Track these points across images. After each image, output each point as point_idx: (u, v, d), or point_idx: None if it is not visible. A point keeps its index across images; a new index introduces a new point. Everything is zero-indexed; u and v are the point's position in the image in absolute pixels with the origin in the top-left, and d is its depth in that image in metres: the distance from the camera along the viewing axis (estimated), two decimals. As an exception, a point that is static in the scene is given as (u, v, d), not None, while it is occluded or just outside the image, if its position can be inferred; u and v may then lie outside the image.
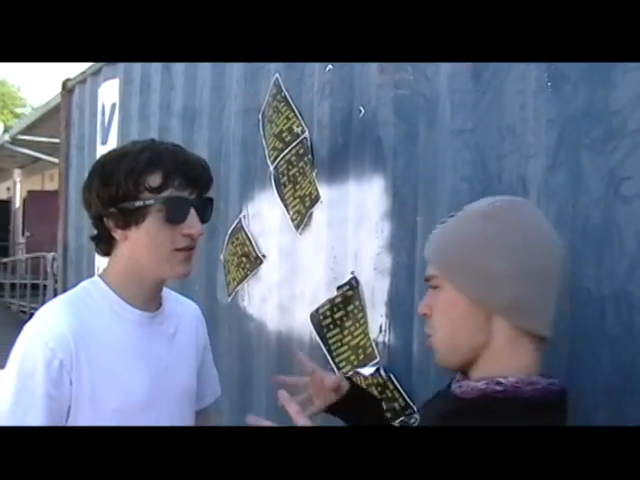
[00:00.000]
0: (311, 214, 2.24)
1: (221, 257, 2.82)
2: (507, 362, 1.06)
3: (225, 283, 2.79)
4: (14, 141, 13.77)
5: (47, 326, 1.24)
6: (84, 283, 1.37)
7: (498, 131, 1.63)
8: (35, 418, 1.20)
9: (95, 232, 1.35)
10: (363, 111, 2.04)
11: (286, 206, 2.37)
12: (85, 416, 1.25)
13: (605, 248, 1.39)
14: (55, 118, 10.66)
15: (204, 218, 1.32)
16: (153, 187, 1.24)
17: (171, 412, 1.37)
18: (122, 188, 1.24)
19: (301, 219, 2.29)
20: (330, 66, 2.16)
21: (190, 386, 1.45)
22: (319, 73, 2.22)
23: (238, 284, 2.69)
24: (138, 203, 1.24)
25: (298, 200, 2.30)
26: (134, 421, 1.27)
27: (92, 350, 1.25)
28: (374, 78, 2.00)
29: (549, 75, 1.50)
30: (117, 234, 1.29)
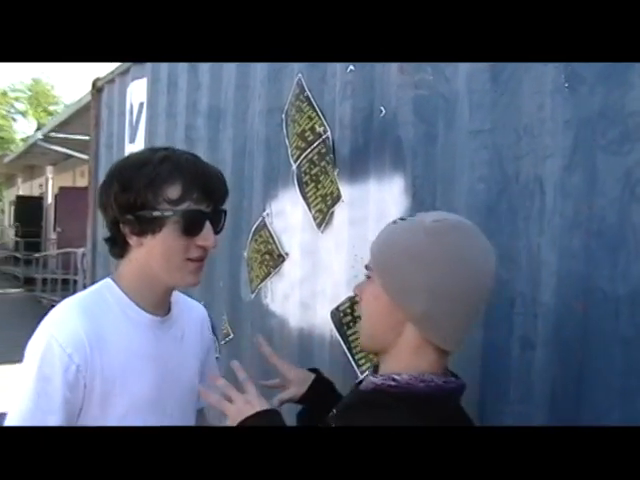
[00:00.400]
0: (332, 213, 2.27)
1: (245, 254, 2.86)
2: (407, 364, 1.15)
3: (248, 280, 2.83)
4: (46, 139, 13.99)
5: (64, 331, 1.27)
6: (97, 285, 1.40)
7: (515, 132, 1.63)
8: (54, 421, 1.24)
9: (109, 234, 1.38)
10: (384, 111, 2.06)
11: (308, 205, 2.40)
12: (95, 415, 1.29)
13: (620, 249, 1.39)
14: (86, 116, 10.78)
15: (217, 230, 1.35)
16: (172, 199, 1.27)
17: (174, 411, 1.42)
18: (141, 197, 1.27)
19: (323, 217, 2.32)
20: (351, 67, 2.18)
21: (193, 386, 1.48)
22: (341, 73, 2.24)
23: (261, 281, 2.72)
24: (156, 213, 1.28)
25: (320, 199, 2.33)
26: (140, 419, 1.33)
27: (105, 353, 1.29)
28: (394, 79, 2.01)
29: (566, 76, 1.50)
30: (132, 240, 1.32)
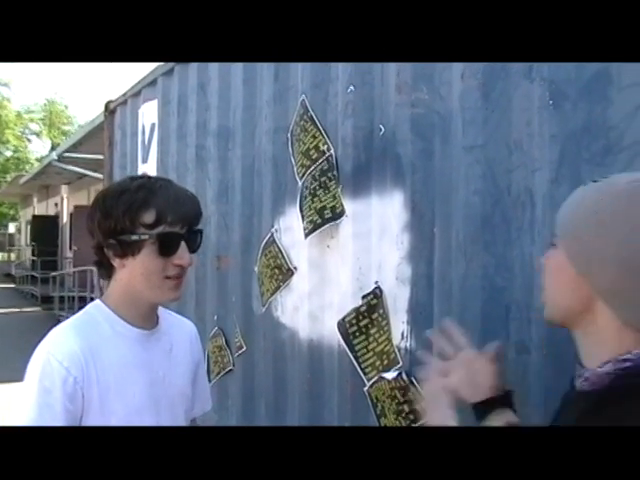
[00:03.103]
0: (333, 226, 2.35)
1: (255, 269, 2.95)
2: (618, 344, 1.01)
3: (260, 294, 2.92)
4: (61, 159, 14.18)
5: (60, 348, 1.38)
6: (87, 307, 1.51)
7: (506, 146, 1.72)
8: (54, 422, 1.34)
9: (96, 258, 1.49)
10: (383, 129, 2.15)
11: (302, 216, 2.50)
12: (93, 421, 1.39)
13: (606, 256, 1.47)
14: (99, 135, 10.94)
15: (193, 249, 1.46)
16: (148, 223, 1.38)
17: (168, 417, 1.51)
18: (120, 223, 1.38)
19: (313, 228, 2.42)
20: (352, 87, 2.28)
21: (186, 394, 1.59)
22: (342, 94, 2.34)
23: (271, 295, 2.81)
24: (134, 237, 1.39)
25: (314, 211, 2.42)
26: (137, 422, 1.42)
27: (99, 366, 1.40)
28: (392, 98, 2.10)
29: (550, 93, 1.59)
30: (115, 262, 1.43)
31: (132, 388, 1.44)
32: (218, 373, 3.28)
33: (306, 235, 2.48)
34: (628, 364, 0.99)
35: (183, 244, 1.42)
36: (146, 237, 1.39)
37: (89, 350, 1.39)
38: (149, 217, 1.38)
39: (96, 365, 1.39)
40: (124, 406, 1.42)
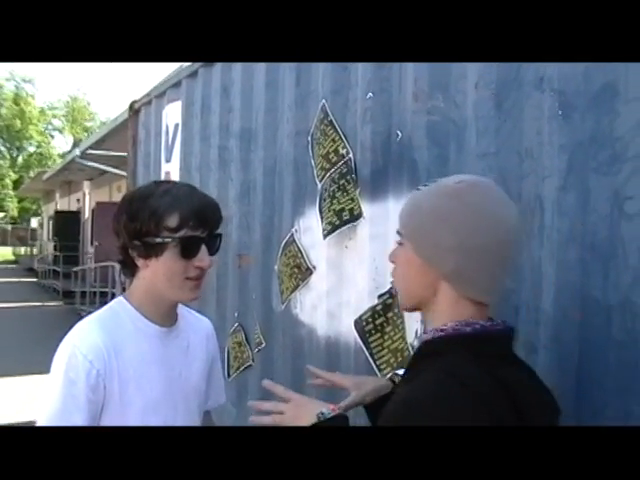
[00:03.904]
0: (349, 228, 2.45)
1: (275, 268, 3.05)
2: (449, 317, 1.23)
3: (279, 292, 3.01)
4: (84, 155, 14.38)
5: (85, 342, 1.47)
6: (111, 303, 1.61)
7: (517, 154, 1.79)
8: (79, 418, 1.45)
9: (121, 257, 1.58)
10: (400, 135, 2.23)
11: (321, 217, 2.60)
12: (114, 414, 1.49)
13: (611, 261, 1.53)
14: (121, 133, 11.12)
15: (213, 251, 1.55)
16: (171, 227, 1.48)
17: (183, 411, 1.61)
18: (145, 226, 1.48)
19: (331, 229, 2.51)
20: (370, 94, 2.36)
21: (200, 390, 1.69)
22: (361, 100, 2.42)
23: (291, 293, 2.91)
24: (158, 240, 1.48)
25: (332, 213, 2.51)
26: (153, 415, 1.53)
27: (120, 360, 1.50)
28: (409, 105, 2.18)
29: (560, 104, 1.66)
30: (139, 262, 1.53)
31: (150, 382, 1.54)
32: (238, 368, 3.38)
33: (325, 236, 2.57)
34: (441, 334, 1.22)
35: (204, 247, 1.51)
36: (169, 240, 1.47)
37: (112, 344, 1.49)
38: (173, 221, 1.47)
39: (118, 359, 1.49)
40: (142, 398, 1.52)
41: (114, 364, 1.48)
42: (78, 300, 14.95)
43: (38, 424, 1.46)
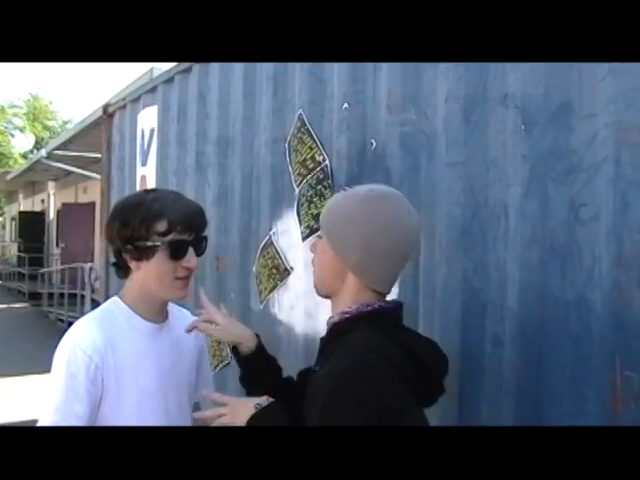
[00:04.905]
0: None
1: (253, 269, 3.17)
2: (354, 301, 1.45)
3: (257, 292, 3.14)
4: (50, 156, 14.26)
5: (84, 339, 1.60)
6: (106, 303, 1.75)
7: (484, 164, 1.95)
8: (81, 409, 1.57)
9: (115, 260, 1.72)
10: (375, 145, 2.38)
11: (300, 221, 2.74)
12: (112, 404, 1.62)
13: (568, 262, 1.70)
14: (89, 134, 11.09)
15: (199, 253, 1.70)
16: (160, 232, 1.61)
17: (173, 402, 1.74)
18: (136, 231, 1.62)
19: (309, 232, 2.66)
20: (346, 104, 2.50)
21: (190, 381, 1.83)
22: (337, 110, 2.56)
23: (269, 293, 3.03)
24: (149, 243, 1.62)
25: (310, 217, 2.66)
26: (148, 405, 1.67)
27: (117, 355, 1.63)
28: (383, 117, 2.33)
29: (522, 119, 1.82)
30: (132, 265, 1.67)
31: (144, 375, 1.67)
32: (217, 366, 3.49)
33: (303, 239, 2.70)
34: (347, 315, 1.45)
35: (191, 249, 1.66)
36: (159, 244, 1.61)
37: (108, 341, 1.62)
38: (162, 226, 1.61)
39: (114, 354, 1.62)
40: (137, 390, 1.65)
41: (111, 359, 1.61)
42: (45, 302, 14.82)
43: (42, 416, 1.58)
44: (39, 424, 1.56)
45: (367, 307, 1.44)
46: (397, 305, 1.51)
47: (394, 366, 1.32)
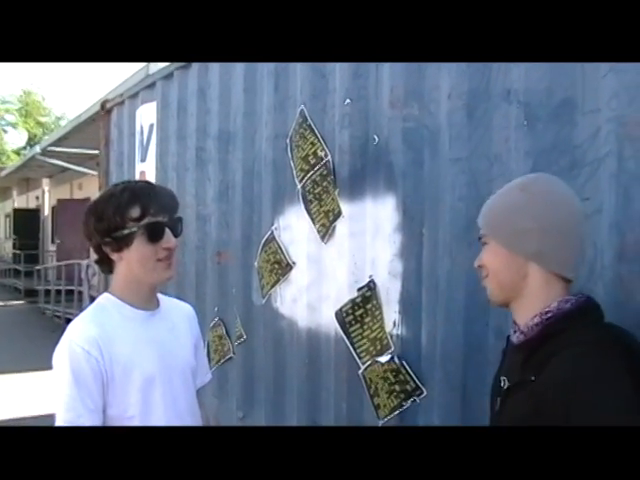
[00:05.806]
0: (334, 227, 2.61)
1: (255, 264, 3.19)
2: (545, 298, 1.34)
3: (259, 287, 3.16)
4: (44, 152, 14.22)
5: (80, 335, 1.64)
6: (97, 300, 1.78)
7: (487, 159, 1.98)
8: (90, 401, 1.61)
9: (97, 257, 1.75)
10: (377, 140, 2.40)
11: (312, 220, 2.74)
12: (117, 393, 1.65)
13: (574, 255, 1.72)
14: (84, 130, 11.07)
15: (176, 233, 1.73)
16: (135, 217, 1.65)
17: (178, 384, 1.77)
18: (112, 222, 1.66)
19: (326, 231, 2.66)
20: (348, 100, 2.52)
21: (190, 364, 1.85)
22: (339, 106, 2.58)
23: (271, 287, 3.06)
24: (126, 231, 1.66)
25: (323, 214, 2.67)
26: (153, 388, 1.69)
27: (114, 346, 1.66)
28: (386, 112, 2.35)
29: (525, 115, 1.85)
30: (114, 257, 1.71)
31: (145, 361, 1.70)
32: (218, 361, 3.52)
33: (322, 237, 2.69)
34: (549, 315, 1.32)
35: (167, 230, 1.69)
36: (135, 229, 1.65)
37: (104, 333, 1.65)
38: (135, 212, 1.65)
39: (112, 345, 1.65)
40: (140, 376, 1.68)
41: (109, 351, 1.64)
42: (42, 299, 14.81)
43: (55, 413, 1.61)
44: (56, 424, 1.59)
45: (566, 304, 1.33)
46: (591, 299, 1.38)
47: (625, 359, 1.22)
